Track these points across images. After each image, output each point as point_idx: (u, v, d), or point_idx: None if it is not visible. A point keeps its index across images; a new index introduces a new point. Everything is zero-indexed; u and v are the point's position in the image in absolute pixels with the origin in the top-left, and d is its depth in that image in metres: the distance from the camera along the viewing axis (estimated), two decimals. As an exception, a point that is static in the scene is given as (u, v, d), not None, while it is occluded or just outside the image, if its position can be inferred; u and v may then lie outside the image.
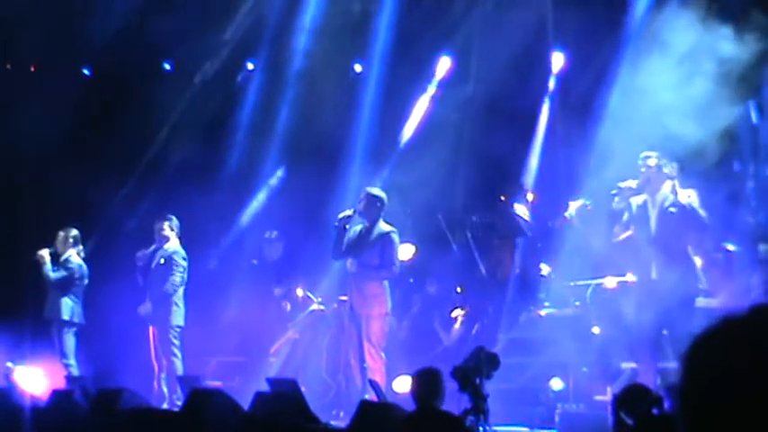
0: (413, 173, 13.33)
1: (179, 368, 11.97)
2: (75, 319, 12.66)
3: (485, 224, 13.39)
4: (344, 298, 11.72)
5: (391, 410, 8.00)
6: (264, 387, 9.17)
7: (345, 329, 11.54)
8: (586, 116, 12.41)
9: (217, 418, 8.16)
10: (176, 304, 12.12)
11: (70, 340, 12.62)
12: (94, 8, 14.08)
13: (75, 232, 12.91)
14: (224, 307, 13.59)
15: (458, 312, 13.09)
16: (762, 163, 11.84)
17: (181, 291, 12.21)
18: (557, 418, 9.93)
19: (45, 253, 12.72)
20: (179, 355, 12.06)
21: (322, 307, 13.24)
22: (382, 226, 11.21)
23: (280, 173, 14.95)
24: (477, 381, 7.43)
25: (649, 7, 12.50)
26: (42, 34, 13.87)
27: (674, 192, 9.45)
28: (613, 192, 9.78)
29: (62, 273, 12.68)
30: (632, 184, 9.62)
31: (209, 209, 13.72)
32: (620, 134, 11.39)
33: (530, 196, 13.68)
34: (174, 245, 12.28)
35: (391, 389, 11.50)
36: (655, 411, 6.23)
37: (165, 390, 11.97)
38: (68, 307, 12.63)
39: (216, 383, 12.19)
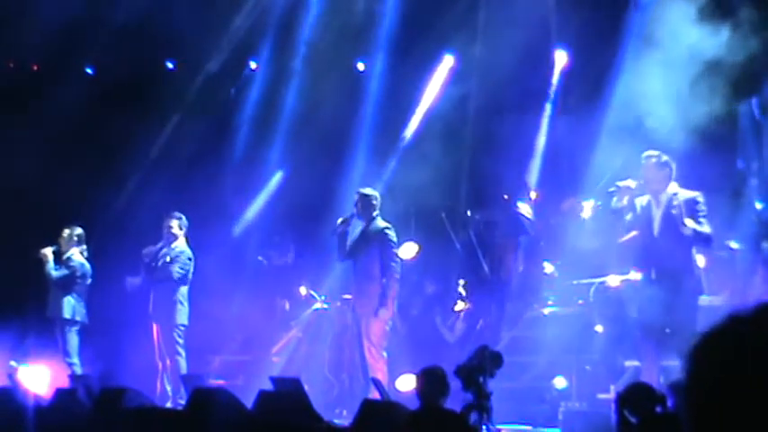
0: (416, 171, 13.33)
1: (183, 367, 11.97)
2: (78, 318, 12.67)
3: (488, 223, 13.38)
4: (348, 297, 11.74)
5: (394, 409, 8.00)
6: (268, 386, 9.17)
7: (348, 328, 11.55)
8: (589, 114, 12.40)
9: (220, 417, 8.16)
10: (180, 303, 12.13)
11: (73, 339, 12.63)
12: (98, 7, 14.09)
13: (79, 231, 12.92)
14: (227, 306, 13.60)
15: (461, 306, 13.08)
16: (765, 160, 11.83)
17: (185, 290, 12.22)
18: (560, 417, 9.91)
19: (48, 251, 12.74)
20: (183, 353, 12.07)
21: (325, 306, 13.25)
22: (379, 223, 11.26)
23: (280, 174, 14.96)
24: (481, 379, 7.43)
25: (650, 5, 12.49)
26: (45, 33, 13.87)
27: (676, 195, 9.37)
28: (611, 189, 9.73)
29: (64, 271, 12.69)
30: (631, 183, 9.57)
31: (213, 207, 13.73)
32: (622, 133, 11.40)
33: (533, 195, 13.67)
34: (181, 244, 12.28)
35: (394, 387, 11.50)
36: (658, 410, 6.23)
37: (168, 388, 11.97)
38: (70, 306, 12.64)
39: (219, 382, 12.19)
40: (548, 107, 13.96)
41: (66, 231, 12.86)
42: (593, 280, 11.81)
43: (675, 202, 9.32)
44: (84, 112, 14.28)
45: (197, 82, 14.83)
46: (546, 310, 12.48)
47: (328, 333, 12.99)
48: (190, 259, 12.26)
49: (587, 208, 12.41)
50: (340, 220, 11.34)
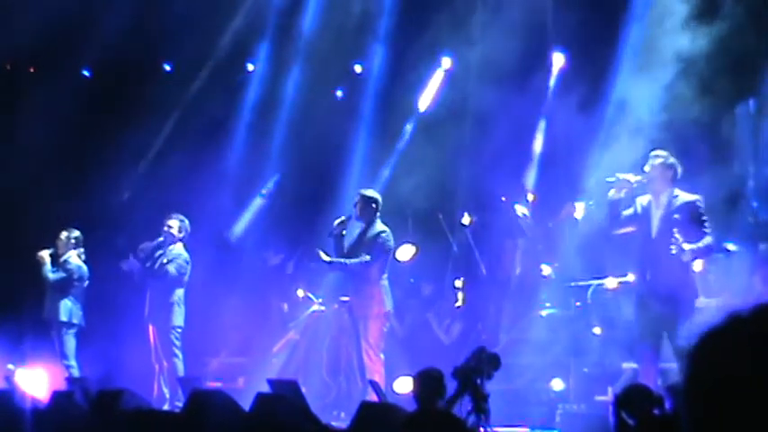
0: (413, 173, 13.33)
1: (180, 369, 11.96)
2: (75, 321, 12.66)
3: (485, 225, 13.38)
4: (345, 299, 11.73)
5: (392, 411, 7.99)
6: (265, 388, 9.15)
7: (346, 330, 11.54)
8: (587, 116, 12.40)
9: (217, 420, 8.15)
10: (177, 305, 12.11)
11: (70, 341, 12.62)
12: (94, 9, 14.08)
13: (77, 233, 12.91)
14: (225, 308, 13.59)
15: (461, 300, 13.08)
16: (762, 162, 11.83)
17: (181, 292, 12.20)
18: (557, 419, 9.92)
19: (45, 254, 12.73)
20: (180, 355, 12.06)
21: (323, 308, 13.24)
22: (377, 227, 11.22)
23: (275, 179, 14.96)
24: (479, 381, 7.42)
25: (646, 7, 12.52)
26: (41, 35, 13.86)
27: (677, 197, 9.34)
28: (610, 179, 9.68)
29: (60, 274, 12.68)
30: (632, 177, 9.54)
31: (209, 209, 13.72)
32: (620, 133, 11.40)
33: (530, 197, 13.68)
34: (179, 247, 12.26)
35: (392, 390, 11.50)
36: (656, 412, 6.23)
37: (165, 391, 11.96)
38: (67, 308, 12.63)
39: (217, 384, 12.18)
40: (545, 109, 13.96)
41: (64, 234, 12.85)
42: (591, 282, 11.80)
43: (675, 205, 9.29)
44: (80, 113, 14.26)
45: (194, 83, 14.82)
46: (543, 312, 12.48)
47: (326, 335, 12.98)
48: (187, 262, 12.24)
49: (579, 208, 12.40)
50: (337, 222, 11.29)
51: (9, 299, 13.56)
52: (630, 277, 10.66)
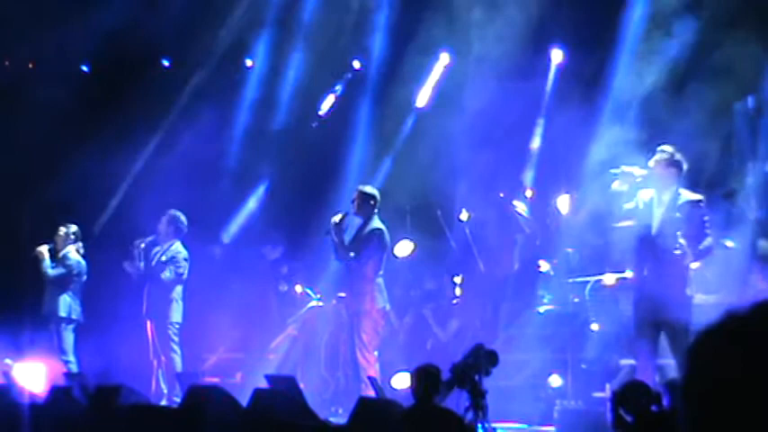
0: (411, 169, 13.32)
1: (178, 365, 11.97)
2: (74, 316, 12.67)
3: (483, 221, 13.39)
4: (342, 294, 11.73)
5: (389, 407, 8.00)
6: (263, 384, 9.17)
7: (344, 326, 11.55)
8: (585, 112, 12.40)
9: (215, 415, 8.16)
10: (175, 301, 12.12)
11: (69, 337, 12.63)
12: (92, 4, 14.07)
13: (75, 228, 12.91)
14: (223, 304, 13.59)
15: (459, 279, 13.09)
16: (760, 159, 11.82)
17: (180, 288, 12.21)
18: (555, 415, 9.93)
19: (44, 249, 12.73)
20: (178, 351, 12.07)
21: (321, 303, 13.25)
22: (374, 224, 11.21)
23: (275, 172, 14.97)
24: (476, 377, 7.43)
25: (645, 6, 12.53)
26: (40, 31, 13.85)
27: (680, 195, 9.30)
28: (615, 171, 9.65)
29: (60, 269, 12.67)
30: (636, 171, 9.50)
31: (208, 205, 13.72)
32: (619, 131, 11.40)
33: (528, 193, 13.68)
34: (177, 245, 12.26)
35: (390, 385, 11.50)
36: (653, 408, 6.24)
37: (163, 386, 11.97)
38: (66, 304, 12.63)
39: (214, 380, 12.18)
40: (544, 105, 13.95)
41: (63, 229, 12.84)
42: (589, 278, 11.80)
43: (678, 204, 9.25)
44: (79, 109, 14.25)
45: (193, 79, 14.81)
46: (541, 309, 12.48)
47: (324, 331, 12.98)
48: (186, 259, 12.24)
49: (563, 202, 12.35)
50: (334, 219, 11.25)
51: (7, 294, 13.56)
52: (628, 274, 10.66)
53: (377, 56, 14.60)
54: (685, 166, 9.35)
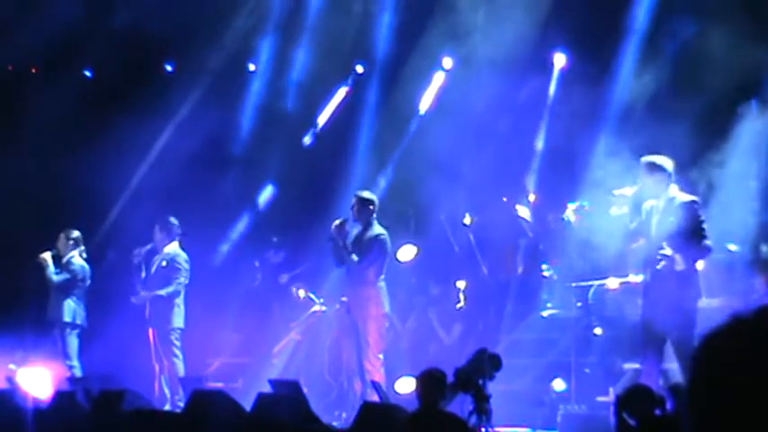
0: (414, 173, 13.32)
1: (180, 369, 11.96)
2: (78, 321, 12.67)
3: (487, 225, 13.38)
4: (346, 299, 11.73)
5: (393, 411, 8.00)
6: (267, 388, 9.17)
7: (347, 330, 11.54)
8: (588, 116, 12.40)
9: (219, 420, 8.16)
10: (177, 306, 12.11)
11: (73, 342, 12.63)
12: (96, 9, 14.09)
13: (76, 233, 12.90)
14: (226, 308, 13.59)
15: (462, 283, 13.09)
16: (764, 162, 11.81)
17: (182, 293, 12.20)
18: (559, 419, 9.92)
19: (47, 256, 12.71)
20: (180, 356, 12.06)
21: (324, 308, 13.24)
22: (376, 229, 11.21)
23: (279, 176, 14.97)
24: (480, 382, 7.42)
25: (649, 9, 12.54)
26: (43, 36, 13.87)
27: (673, 199, 9.26)
28: (612, 199, 9.63)
29: (65, 275, 12.67)
30: (627, 191, 9.46)
31: (211, 210, 13.73)
32: (621, 134, 11.40)
33: (531, 197, 13.67)
34: (174, 247, 12.26)
35: (393, 390, 11.50)
36: (657, 412, 6.23)
37: (166, 391, 11.96)
38: (71, 309, 12.63)
39: (218, 385, 12.18)
40: (547, 109, 13.95)
41: (63, 235, 12.83)
42: (592, 282, 11.80)
43: (671, 208, 9.21)
44: (82, 114, 14.27)
45: (196, 84, 14.82)
46: (545, 313, 12.48)
47: (327, 336, 12.98)
48: (186, 261, 12.23)
49: (570, 211, 12.36)
50: (335, 224, 11.25)
51: (10, 299, 13.56)
52: (631, 278, 10.65)
53: (380, 60, 14.60)
54: (671, 168, 9.26)
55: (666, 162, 9.26)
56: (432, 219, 13.58)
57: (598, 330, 11.57)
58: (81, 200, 13.70)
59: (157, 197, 13.73)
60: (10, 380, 11.09)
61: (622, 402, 6.35)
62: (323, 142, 14.75)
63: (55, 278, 12.65)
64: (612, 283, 11.48)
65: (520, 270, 13.21)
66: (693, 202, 9.24)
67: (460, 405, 7.64)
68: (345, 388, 11.85)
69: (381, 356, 11.07)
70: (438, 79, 14.51)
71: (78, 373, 12.33)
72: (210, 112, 14.45)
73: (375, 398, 9.59)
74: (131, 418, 8.76)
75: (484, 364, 7.49)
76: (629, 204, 9.43)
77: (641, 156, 9.53)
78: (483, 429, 7.42)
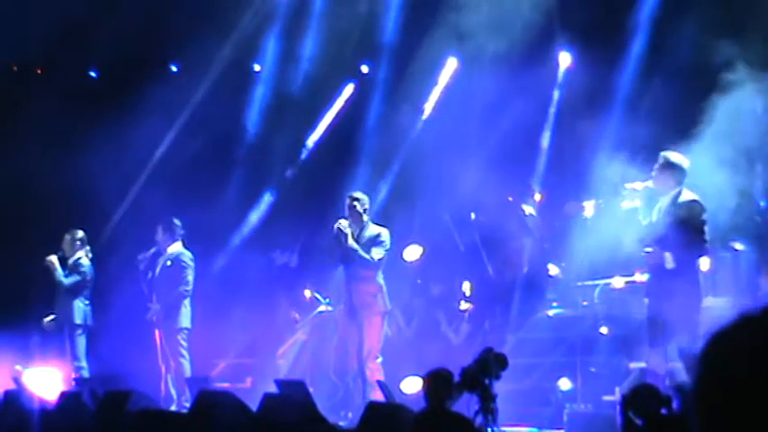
0: (419, 172, 13.32)
1: (187, 370, 11.96)
2: (87, 322, 12.67)
3: (492, 224, 13.37)
4: (348, 298, 11.72)
5: (399, 411, 7.99)
6: (273, 388, 9.16)
7: (351, 330, 11.53)
8: (594, 115, 12.40)
9: (225, 420, 8.16)
10: (184, 306, 12.10)
11: (81, 343, 12.63)
12: (100, 9, 14.10)
13: (81, 234, 12.91)
14: (232, 309, 13.60)
15: (465, 306, 13.08)
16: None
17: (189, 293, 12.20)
18: (565, 419, 9.92)
19: (54, 259, 12.69)
20: (187, 356, 12.05)
21: (330, 308, 13.24)
22: (372, 228, 11.20)
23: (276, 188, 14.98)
24: (486, 381, 7.41)
25: (653, 11, 12.54)
26: (48, 36, 13.89)
27: (677, 197, 9.24)
28: (624, 192, 9.62)
29: (75, 277, 12.65)
30: (638, 185, 9.46)
31: (216, 210, 13.73)
32: (627, 134, 11.39)
33: (537, 196, 13.67)
34: (178, 247, 12.25)
35: (399, 389, 11.49)
36: (663, 411, 6.22)
37: (172, 391, 11.95)
38: (80, 310, 12.63)
39: (224, 385, 12.19)
40: (552, 108, 13.94)
41: (68, 236, 12.83)
42: (598, 281, 11.79)
43: (674, 205, 9.19)
44: (87, 114, 14.28)
45: (201, 84, 14.83)
46: (551, 312, 12.47)
47: (333, 335, 12.97)
48: (191, 260, 12.22)
49: (589, 207, 12.35)
50: (338, 225, 11.21)
51: (16, 299, 13.58)
52: (637, 277, 10.63)
53: (385, 60, 14.61)
54: (686, 166, 9.26)
55: (684, 161, 9.26)
56: (436, 218, 13.57)
57: (604, 329, 11.56)
58: (86, 200, 13.70)
59: (162, 197, 13.73)
60: (16, 380, 11.11)
61: (628, 401, 6.34)
62: (330, 141, 14.74)
63: (65, 281, 12.63)
64: (618, 282, 11.48)
65: (525, 269, 13.21)
66: (694, 201, 9.22)
67: (467, 404, 7.63)
68: (351, 388, 11.85)
69: (380, 357, 11.04)
70: (443, 79, 14.50)
71: (86, 373, 12.34)
72: (215, 112, 14.45)
73: (380, 397, 9.59)
74: (137, 418, 8.76)
75: (490, 364, 7.48)
76: (642, 199, 9.42)
77: (646, 153, 9.53)
78: (489, 429, 7.42)
